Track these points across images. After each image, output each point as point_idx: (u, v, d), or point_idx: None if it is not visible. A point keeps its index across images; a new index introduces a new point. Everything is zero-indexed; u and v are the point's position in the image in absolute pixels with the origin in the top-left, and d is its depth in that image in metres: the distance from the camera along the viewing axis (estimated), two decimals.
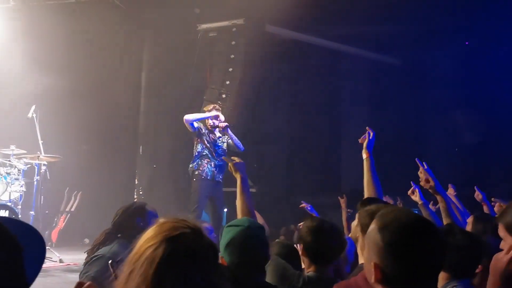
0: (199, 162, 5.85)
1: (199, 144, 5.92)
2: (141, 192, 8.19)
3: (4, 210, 5.74)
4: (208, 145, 5.91)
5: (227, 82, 7.91)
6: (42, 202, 6.61)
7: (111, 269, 1.72)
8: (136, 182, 8.28)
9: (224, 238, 2.06)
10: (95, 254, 2.85)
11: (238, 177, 2.89)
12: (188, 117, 5.77)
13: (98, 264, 2.72)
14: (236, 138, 6.01)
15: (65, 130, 7.70)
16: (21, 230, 1.11)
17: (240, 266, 1.98)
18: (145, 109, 8.52)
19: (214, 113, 5.97)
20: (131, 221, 2.96)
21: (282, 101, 8.97)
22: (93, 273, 2.68)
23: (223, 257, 2.01)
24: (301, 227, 2.54)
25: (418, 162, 2.92)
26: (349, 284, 1.84)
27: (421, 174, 2.89)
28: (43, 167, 6.59)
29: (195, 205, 5.70)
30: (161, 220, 1.31)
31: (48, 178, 6.76)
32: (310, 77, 9.06)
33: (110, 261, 1.87)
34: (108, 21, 8.00)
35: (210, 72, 8.32)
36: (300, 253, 2.42)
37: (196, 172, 5.81)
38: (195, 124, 5.81)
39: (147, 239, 1.25)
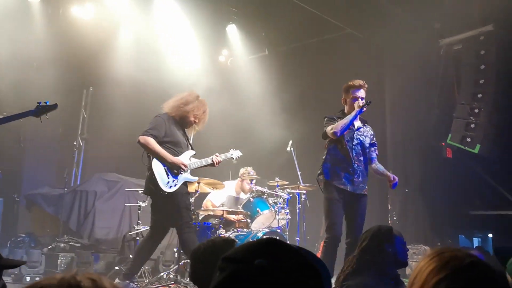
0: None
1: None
2: (395, 217, 8.09)
3: (275, 236, 6.36)
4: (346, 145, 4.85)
5: (479, 96, 7.30)
6: (305, 229, 7.15)
7: None
8: (389, 207, 8.21)
9: None
10: (344, 284, 2.85)
11: None
12: (337, 129, 4.73)
13: None
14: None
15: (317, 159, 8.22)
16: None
17: None
18: (391, 135, 8.47)
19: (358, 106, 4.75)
20: (380, 247, 2.94)
21: None
22: None
23: None
24: None
25: None
26: None
27: None
28: (303, 196, 7.13)
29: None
30: (436, 249, 1.25)
31: (308, 206, 7.30)
32: None
33: None
34: (348, 52, 8.35)
35: (457, 87, 7.82)
36: None
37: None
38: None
39: (431, 272, 1.18)
